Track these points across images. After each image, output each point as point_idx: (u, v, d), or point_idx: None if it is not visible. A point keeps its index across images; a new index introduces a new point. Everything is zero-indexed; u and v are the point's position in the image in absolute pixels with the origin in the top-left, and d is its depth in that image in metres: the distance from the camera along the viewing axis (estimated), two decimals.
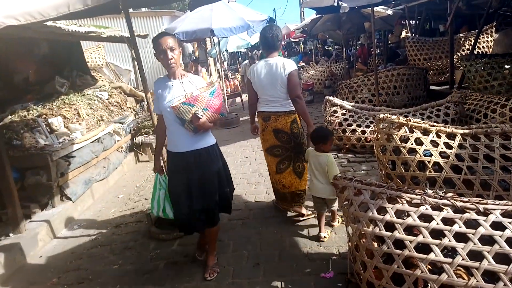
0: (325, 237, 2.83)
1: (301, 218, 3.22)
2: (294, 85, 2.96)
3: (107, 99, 6.09)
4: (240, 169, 4.89)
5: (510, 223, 1.70)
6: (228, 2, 6.20)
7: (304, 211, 3.24)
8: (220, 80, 9.48)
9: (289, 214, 3.34)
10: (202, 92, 2.35)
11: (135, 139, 6.02)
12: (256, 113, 3.29)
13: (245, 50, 20.03)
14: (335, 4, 4.75)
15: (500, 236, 1.67)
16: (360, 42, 12.11)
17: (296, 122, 3.10)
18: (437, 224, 1.79)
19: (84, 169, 4.46)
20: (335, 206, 2.93)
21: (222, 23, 6.64)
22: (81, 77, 6.33)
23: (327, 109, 5.41)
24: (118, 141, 5.49)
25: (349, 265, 2.27)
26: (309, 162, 2.94)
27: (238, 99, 10.58)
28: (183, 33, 6.76)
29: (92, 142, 4.72)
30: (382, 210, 2.01)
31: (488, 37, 7.77)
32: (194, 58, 12.22)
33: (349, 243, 2.28)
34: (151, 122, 4.76)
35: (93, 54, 8.56)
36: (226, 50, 14.00)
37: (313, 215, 3.19)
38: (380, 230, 1.92)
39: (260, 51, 8.03)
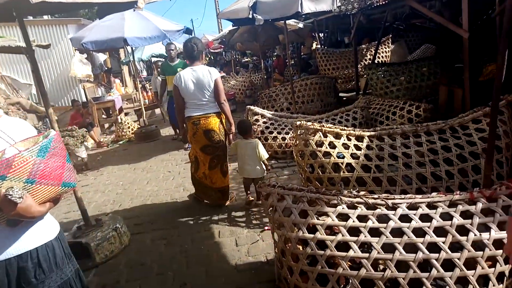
0: (252, 198, 3.57)
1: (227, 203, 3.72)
2: (221, 90, 3.41)
3: None
4: (163, 185, 4.66)
5: (415, 214, 1.88)
6: (134, 10, 5.93)
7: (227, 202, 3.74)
8: (137, 91, 9.02)
9: (216, 227, 3.27)
10: (23, 151, 1.26)
11: None
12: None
13: (162, 60, 19.48)
14: (250, 16, 4.86)
15: (407, 228, 1.83)
16: (276, 53, 12.66)
17: (222, 123, 3.55)
18: (353, 221, 1.90)
19: None
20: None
21: (135, 32, 6.33)
22: None
23: (249, 118, 5.49)
24: None
25: (277, 271, 2.28)
26: (239, 152, 3.55)
27: (158, 111, 10.18)
28: (91, 43, 6.28)
29: None
30: (304, 213, 2.06)
31: (386, 48, 8.74)
32: (106, 68, 11.45)
33: (276, 249, 2.29)
34: None
35: None
36: (142, 60, 13.42)
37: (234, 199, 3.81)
38: (303, 233, 1.96)
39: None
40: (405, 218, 1.87)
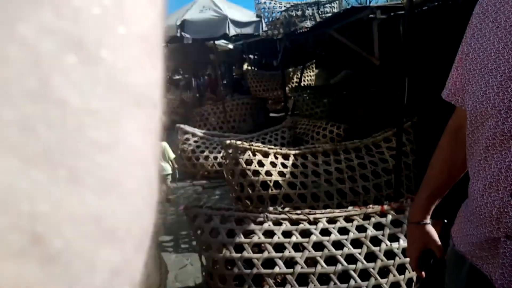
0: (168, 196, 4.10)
1: None
2: None
3: None
4: None
5: (333, 228, 2.00)
6: None
7: None
8: None
9: None
10: None
11: None
12: None
13: None
14: (178, 35, 4.86)
15: (327, 241, 1.93)
16: (208, 72, 12.75)
17: None
18: (279, 238, 1.94)
19: None
20: (169, 180, 4.19)
21: None
22: None
23: (179, 137, 5.38)
24: None
25: None
26: None
27: None
28: None
29: None
30: (231, 233, 2.06)
31: (310, 72, 9.35)
32: None
33: (203, 273, 2.23)
34: None
35: None
36: None
37: None
38: (230, 253, 1.95)
39: None
40: (325, 232, 1.98)
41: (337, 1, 7.49)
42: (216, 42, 6.76)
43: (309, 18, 6.83)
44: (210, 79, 12.61)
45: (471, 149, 0.84)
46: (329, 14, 6.47)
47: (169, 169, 4.07)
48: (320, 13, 6.99)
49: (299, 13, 6.57)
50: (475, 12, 0.82)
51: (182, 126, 5.44)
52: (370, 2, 12.95)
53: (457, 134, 0.96)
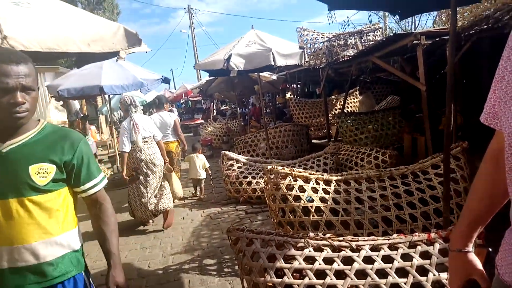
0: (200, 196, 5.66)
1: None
2: (178, 126, 5.67)
3: None
4: (133, 232, 4.52)
5: (377, 256, 1.95)
6: (117, 60, 6.14)
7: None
8: (112, 138, 8.97)
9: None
10: None
11: None
12: None
13: (141, 107, 19.59)
14: (225, 67, 5.13)
15: (371, 269, 1.88)
16: (252, 102, 13.14)
17: (178, 146, 5.73)
18: (320, 264, 1.93)
19: None
20: (203, 184, 5.78)
21: (112, 80, 6.48)
22: None
23: (224, 163, 5.56)
24: None
25: None
26: (191, 161, 5.68)
27: None
28: (68, 90, 6.35)
29: None
30: (272, 257, 2.08)
31: (354, 99, 9.28)
32: (82, 115, 11.42)
33: None
34: None
35: None
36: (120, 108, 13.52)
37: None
38: (271, 278, 1.97)
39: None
40: (369, 260, 1.93)
41: (380, 29, 7.49)
42: (261, 73, 7.01)
43: (352, 46, 6.89)
44: (255, 108, 12.96)
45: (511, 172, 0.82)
46: (372, 42, 6.48)
47: (204, 175, 5.65)
48: (362, 41, 7.03)
49: (341, 42, 6.66)
50: None
51: (227, 152, 5.64)
52: (416, 27, 12.72)
53: (498, 158, 0.93)
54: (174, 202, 4.73)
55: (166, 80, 7.50)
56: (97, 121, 12.88)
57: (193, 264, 3.40)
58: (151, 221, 4.68)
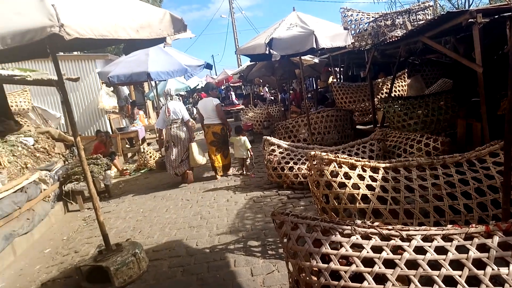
0: (243, 172, 6.41)
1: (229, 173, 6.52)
2: (220, 110, 6.28)
3: (33, 145, 5.62)
4: (181, 213, 4.74)
5: (429, 246, 1.87)
6: (164, 47, 6.32)
7: (230, 171, 6.59)
8: None
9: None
10: None
11: (64, 187, 5.56)
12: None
13: (185, 93, 20.11)
14: (267, 52, 5.09)
15: (422, 260, 1.82)
16: (293, 87, 12.95)
17: (223, 129, 6.32)
18: (368, 252, 1.90)
19: (3, 222, 3.95)
20: (248, 161, 6.52)
21: (158, 66, 6.70)
22: (3, 122, 5.82)
23: (265, 148, 5.59)
24: (44, 189, 5.02)
25: None
26: (235, 143, 6.29)
27: None
28: (117, 76, 6.66)
29: (14, 192, 4.26)
30: (318, 243, 2.08)
31: (402, 82, 8.83)
32: (131, 101, 11.95)
33: (290, 279, 2.29)
34: (81, 168, 4.39)
35: (18, 98, 7.98)
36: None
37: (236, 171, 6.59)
38: (317, 262, 1.97)
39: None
40: (420, 250, 1.87)
41: (431, 7, 6.99)
42: (302, 56, 6.88)
43: (400, 27, 6.51)
44: (295, 93, 12.79)
45: None
46: (422, 22, 6.08)
47: (246, 155, 6.34)
48: (412, 21, 6.61)
49: (389, 22, 6.31)
50: None
51: (268, 138, 5.66)
52: (470, 5, 11.72)
53: None
54: (199, 166, 6.38)
55: (208, 66, 7.62)
56: (145, 106, 13.42)
57: (238, 245, 3.50)
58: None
